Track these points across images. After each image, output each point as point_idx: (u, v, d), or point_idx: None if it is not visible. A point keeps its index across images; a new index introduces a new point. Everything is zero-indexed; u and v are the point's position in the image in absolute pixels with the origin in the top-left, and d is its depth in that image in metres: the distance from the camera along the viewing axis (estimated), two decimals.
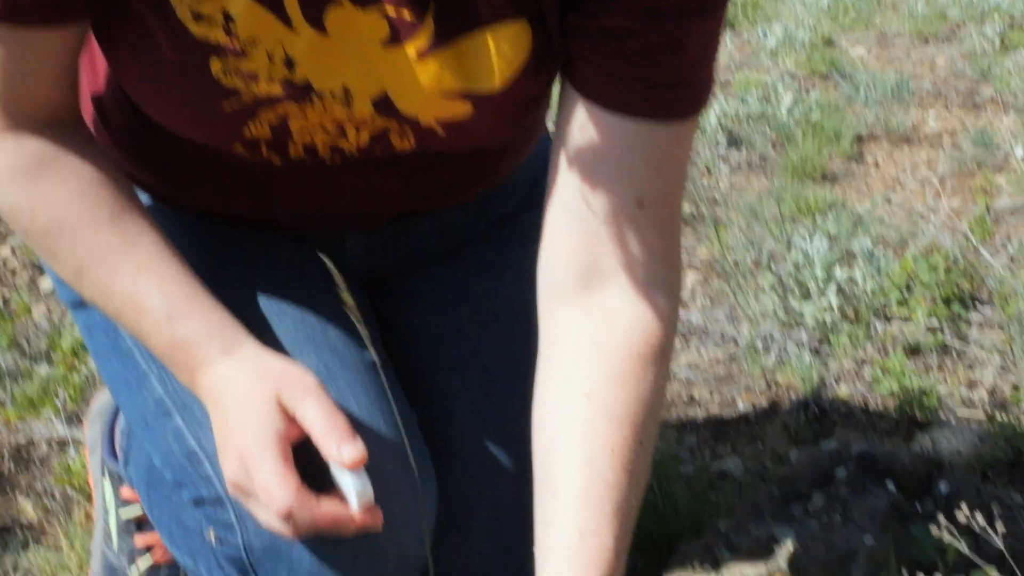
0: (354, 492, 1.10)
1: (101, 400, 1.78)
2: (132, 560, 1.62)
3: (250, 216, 1.16)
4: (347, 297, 1.06)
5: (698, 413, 2.23)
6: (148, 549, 1.64)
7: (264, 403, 1.09)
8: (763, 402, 2.24)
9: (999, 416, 1.95)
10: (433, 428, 1.35)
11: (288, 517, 1.07)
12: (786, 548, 1.46)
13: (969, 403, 2.16)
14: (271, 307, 1.13)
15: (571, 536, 1.04)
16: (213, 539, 1.24)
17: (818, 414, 2.13)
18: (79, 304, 1.33)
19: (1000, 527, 1.17)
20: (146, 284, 1.10)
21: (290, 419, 1.09)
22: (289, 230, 1.19)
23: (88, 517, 1.80)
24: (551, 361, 1.14)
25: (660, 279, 1.08)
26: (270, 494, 1.05)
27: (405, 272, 1.38)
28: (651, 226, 1.03)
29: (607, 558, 1.04)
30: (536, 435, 1.12)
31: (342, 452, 1.07)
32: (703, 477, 1.82)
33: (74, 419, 2.15)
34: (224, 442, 1.10)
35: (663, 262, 1.07)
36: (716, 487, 1.85)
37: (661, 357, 1.11)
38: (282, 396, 1.09)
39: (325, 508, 1.08)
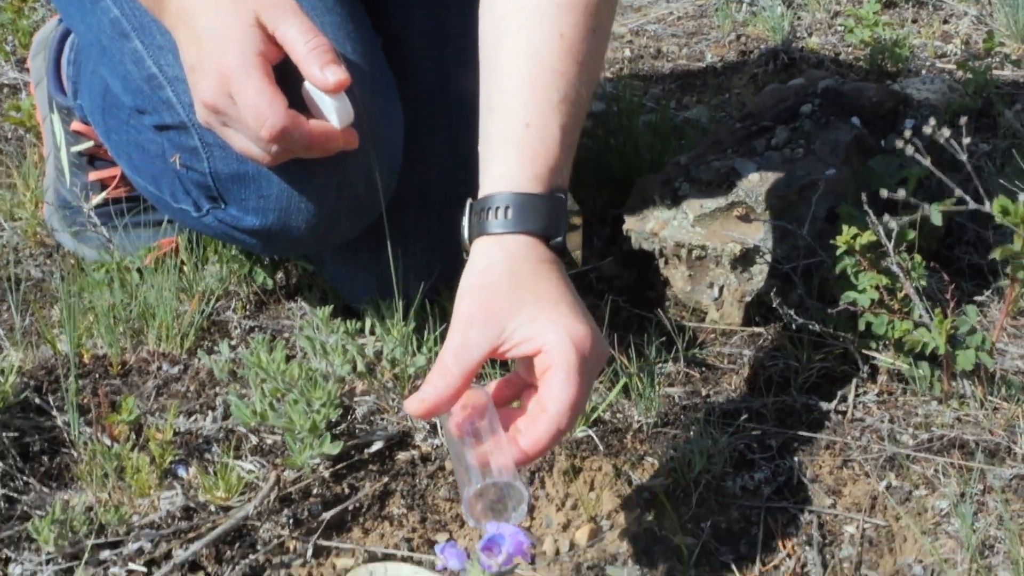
0: (335, 112, 1.07)
1: (44, 31, 1.69)
2: (86, 195, 1.58)
3: None
4: None
5: (665, 66, 2.18)
6: (103, 186, 1.60)
7: (244, 24, 1.04)
8: (732, 55, 2.18)
9: (971, 65, 1.88)
10: (390, 50, 1.32)
11: (279, 137, 1.05)
12: (747, 180, 1.43)
13: (942, 55, 2.10)
14: None
15: (516, 126, 1.00)
16: (178, 164, 1.22)
17: (787, 63, 2.08)
18: None
19: (965, 140, 1.12)
20: None
21: (270, 39, 1.06)
22: None
23: (42, 158, 1.75)
24: None
25: None
26: (260, 113, 1.02)
27: None
28: None
29: (552, 149, 1.00)
30: (483, 23, 1.06)
31: (326, 74, 1.05)
32: (667, 124, 1.77)
33: (24, 63, 2.09)
34: (199, 64, 1.05)
35: None
36: (680, 131, 1.80)
37: None
38: (261, 16, 1.05)
39: (315, 125, 1.07)
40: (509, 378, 1.01)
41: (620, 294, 1.47)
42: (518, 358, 0.97)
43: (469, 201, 1.04)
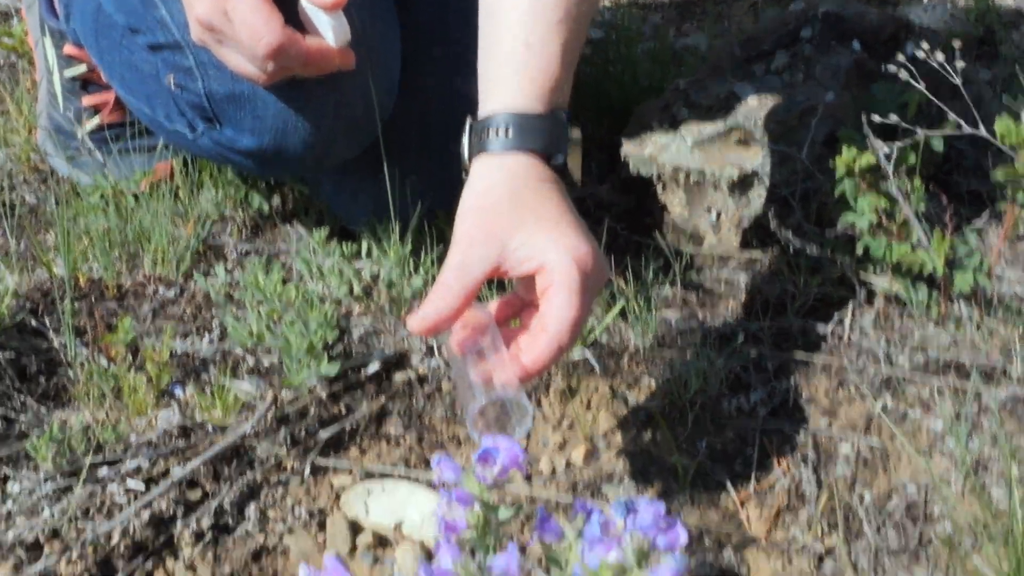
0: (331, 30, 1.05)
1: None
2: (79, 120, 1.56)
3: None
4: None
5: None
6: (96, 111, 1.58)
7: None
8: None
9: None
10: None
11: (275, 55, 1.03)
12: (746, 104, 1.41)
13: None
14: None
15: (516, 46, 0.98)
16: (172, 84, 1.20)
17: None
18: None
19: (959, 65, 1.10)
20: None
21: None
22: None
23: (34, 83, 1.72)
24: None
25: None
26: (256, 31, 1.01)
27: None
28: None
29: (552, 68, 0.99)
30: None
31: None
32: (667, 52, 1.74)
33: None
34: None
35: None
36: (679, 58, 1.78)
37: None
38: None
39: (312, 43, 1.05)
40: (509, 298, 1.00)
41: (618, 220, 1.46)
42: (519, 277, 0.97)
43: (469, 121, 1.03)
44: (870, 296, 1.31)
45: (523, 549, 1.01)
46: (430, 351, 1.25)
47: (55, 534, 1.05)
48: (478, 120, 1.02)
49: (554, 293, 0.91)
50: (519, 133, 0.99)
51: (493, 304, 1.00)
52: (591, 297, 0.94)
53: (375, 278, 1.30)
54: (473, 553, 0.81)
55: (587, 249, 0.93)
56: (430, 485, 1.11)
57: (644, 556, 0.80)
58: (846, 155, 1.24)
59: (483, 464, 0.83)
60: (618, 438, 1.16)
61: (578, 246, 0.93)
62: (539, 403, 1.20)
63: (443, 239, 1.34)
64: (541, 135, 0.99)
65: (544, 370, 0.93)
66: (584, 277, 0.92)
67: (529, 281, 0.95)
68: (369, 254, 1.32)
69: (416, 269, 1.29)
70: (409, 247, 1.28)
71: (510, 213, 0.95)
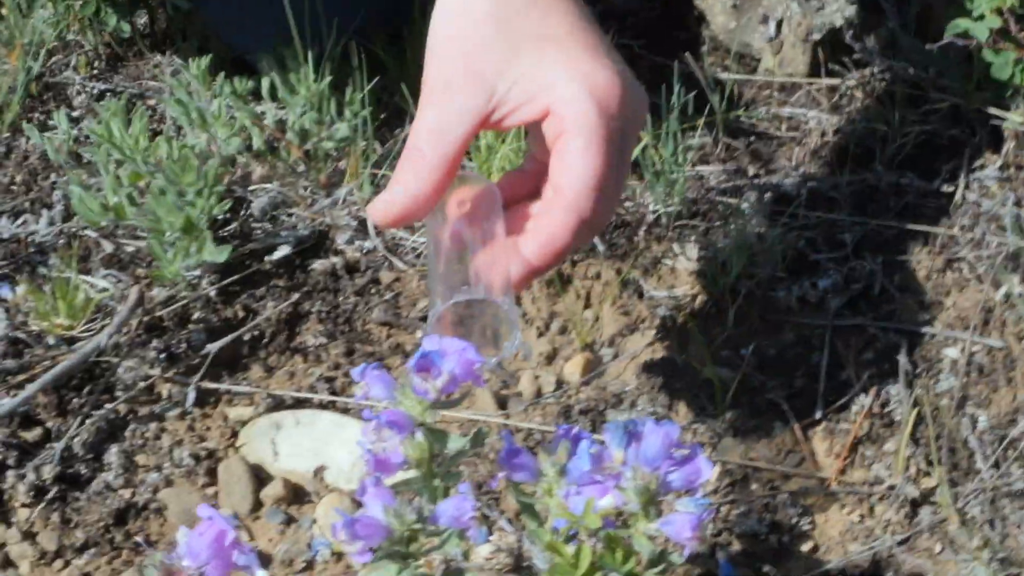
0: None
1: None
2: None
3: None
4: None
5: None
6: None
7: None
8: None
9: None
10: None
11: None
12: None
13: None
14: None
15: None
16: None
17: None
18: None
19: None
20: None
21: None
22: None
23: None
24: None
25: None
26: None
27: None
28: None
29: None
30: None
31: None
32: None
33: None
34: None
35: None
36: None
37: None
38: None
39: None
40: (524, 168, 1.00)
41: (637, 36, 1.45)
42: (520, 126, 0.97)
43: None
44: (994, 137, 1.31)
45: (485, 493, 1.02)
46: (362, 227, 1.25)
47: None
48: None
49: (566, 143, 0.90)
50: None
51: (502, 178, 1.00)
52: (623, 146, 0.92)
53: (282, 125, 1.29)
54: (413, 499, 0.82)
55: (611, 77, 0.92)
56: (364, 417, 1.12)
57: (651, 500, 0.82)
58: None
59: (423, 375, 0.83)
60: (628, 344, 1.17)
61: (598, 73, 0.91)
62: (518, 298, 1.21)
63: (380, 70, 1.33)
64: None
65: (556, 261, 0.91)
66: (608, 117, 0.90)
67: (539, 134, 0.94)
68: (273, 93, 1.31)
69: (340, 112, 1.29)
70: (328, 80, 1.27)
71: (497, 39, 0.93)
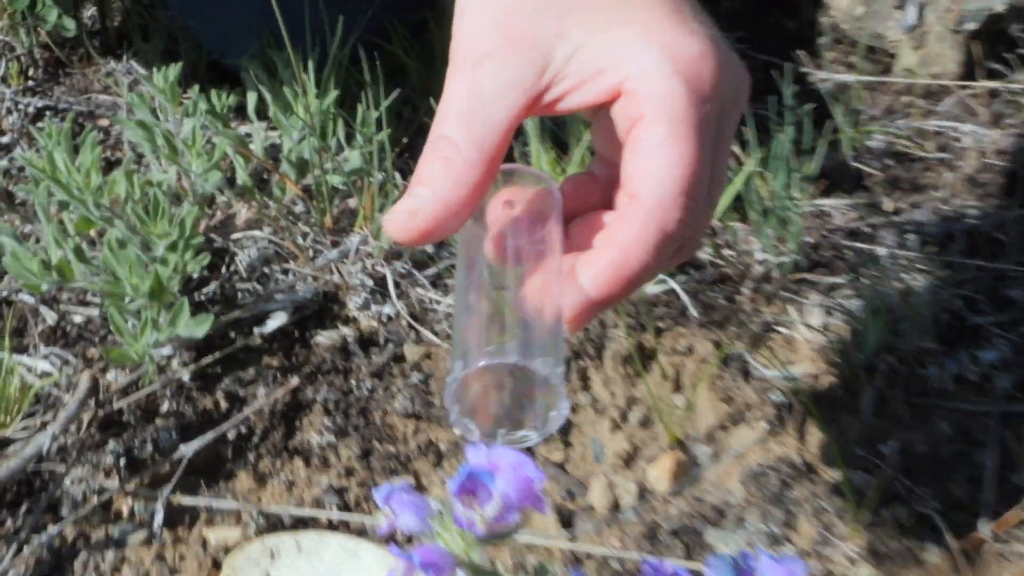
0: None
1: None
2: None
3: None
4: None
5: None
6: None
7: None
8: None
9: None
10: None
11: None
12: None
13: None
14: None
15: None
16: None
17: None
18: None
19: None
20: None
21: None
22: None
23: None
24: None
25: None
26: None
27: None
28: None
29: None
30: None
31: None
32: None
33: None
34: None
35: None
36: None
37: None
38: None
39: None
40: (592, 172, 1.00)
41: (733, 26, 1.46)
42: (585, 113, 0.96)
43: None
44: None
45: None
46: (380, 287, 1.25)
47: None
48: None
49: (645, 134, 0.89)
50: None
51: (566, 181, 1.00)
52: (719, 136, 0.92)
53: (274, 154, 1.29)
54: None
55: (700, 47, 0.91)
56: (386, 540, 1.11)
57: None
58: None
59: (468, 499, 0.83)
60: (732, 440, 1.17)
61: (682, 42, 0.90)
62: (584, 378, 1.20)
63: (400, 78, 1.33)
64: None
65: (626, 291, 0.90)
66: (699, 98, 0.89)
67: (606, 127, 0.94)
68: (261, 111, 1.31)
69: (349, 136, 1.29)
70: (333, 95, 1.27)
71: None
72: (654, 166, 0.89)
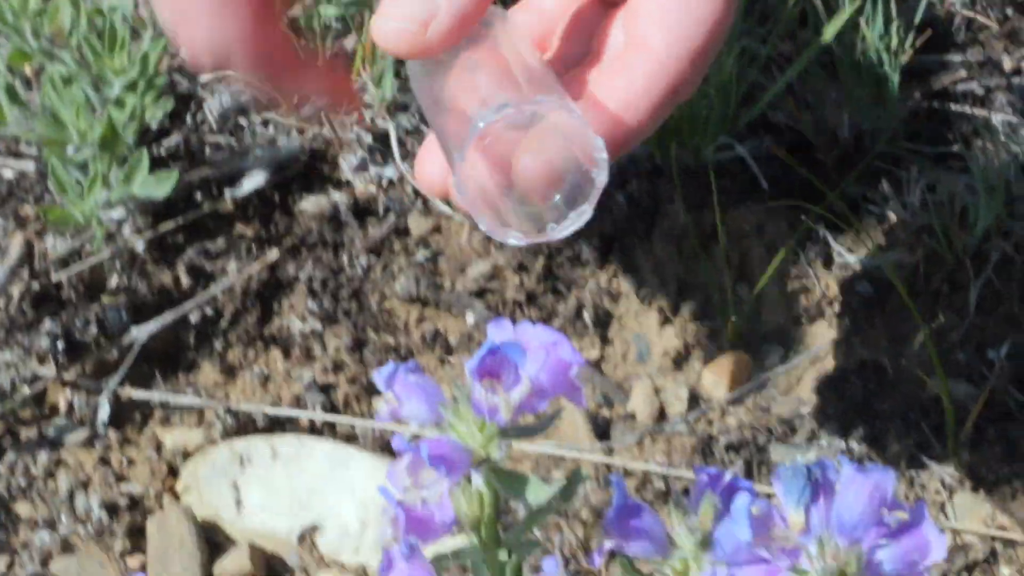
0: None
1: None
2: None
3: None
4: None
5: None
6: None
7: None
8: None
9: None
10: None
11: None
12: None
13: None
14: None
15: None
16: None
17: None
18: None
19: None
20: None
21: None
22: None
23: None
24: None
25: None
26: None
27: None
28: None
29: None
30: None
31: None
32: None
33: None
34: None
35: None
36: None
37: None
38: None
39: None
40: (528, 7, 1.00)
41: None
42: None
43: None
44: None
45: (579, 574, 1.03)
46: (381, 143, 1.25)
47: None
48: None
49: None
50: None
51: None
52: None
53: None
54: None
55: None
56: (382, 447, 1.13)
57: None
58: None
59: (490, 381, 0.83)
60: (807, 339, 1.18)
61: None
62: (628, 260, 1.21)
63: None
64: None
65: (648, 124, 0.91)
66: None
67: None
68: None
69: None
70: None
71: None
72: (671, 11, 0.90)
